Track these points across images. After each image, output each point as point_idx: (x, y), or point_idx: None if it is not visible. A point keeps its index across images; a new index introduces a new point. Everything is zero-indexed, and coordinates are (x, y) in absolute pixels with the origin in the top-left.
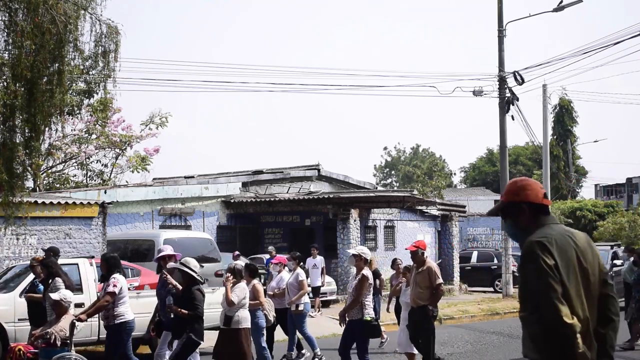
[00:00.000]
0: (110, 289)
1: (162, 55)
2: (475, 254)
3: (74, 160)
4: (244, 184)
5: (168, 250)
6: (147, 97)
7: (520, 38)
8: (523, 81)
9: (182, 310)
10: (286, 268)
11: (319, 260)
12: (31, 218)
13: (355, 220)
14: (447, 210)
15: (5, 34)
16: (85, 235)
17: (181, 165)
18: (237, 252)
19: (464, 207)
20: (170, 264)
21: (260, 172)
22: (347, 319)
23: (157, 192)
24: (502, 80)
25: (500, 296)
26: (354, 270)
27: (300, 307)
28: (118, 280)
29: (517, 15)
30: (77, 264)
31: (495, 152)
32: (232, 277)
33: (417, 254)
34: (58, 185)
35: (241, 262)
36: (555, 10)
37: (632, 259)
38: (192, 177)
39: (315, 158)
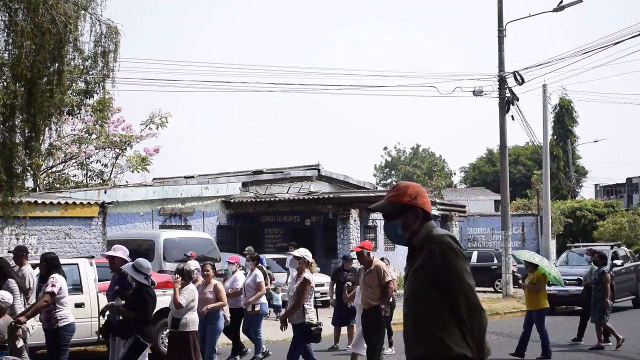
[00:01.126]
0: (49, 289)
1: (162, 55)
2: (475, 254)
3: (74, 160)
4: (244, 184)
5: (119, 253)
6: (147, 97)
7: (520, 38)
8: (523, 81)
9: (129, 312)
10: (241, 268)
11: None
12: (31, 218)
13: (355, 220)
14: (447, 210)
15: (5, 34)
16: (85, 235)
17: (181, 165)
18: (189, 252)
19: (464, 207)
20: (124, 266)
21: (260, 172)
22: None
23: (157, 192)
24: (502, 80)
25: (500, 296)
26: (295, 273)
27: (257, 308)
28: (57, 280)
29: (517, 15)
30: (77, 264)
31: (495, 152)
32: (180, 279)
33: (362, 254)
34: (58, 185)
35: (195, 264)
36: (555, 10)
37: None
38: (192, 177)
39: (315, 158)
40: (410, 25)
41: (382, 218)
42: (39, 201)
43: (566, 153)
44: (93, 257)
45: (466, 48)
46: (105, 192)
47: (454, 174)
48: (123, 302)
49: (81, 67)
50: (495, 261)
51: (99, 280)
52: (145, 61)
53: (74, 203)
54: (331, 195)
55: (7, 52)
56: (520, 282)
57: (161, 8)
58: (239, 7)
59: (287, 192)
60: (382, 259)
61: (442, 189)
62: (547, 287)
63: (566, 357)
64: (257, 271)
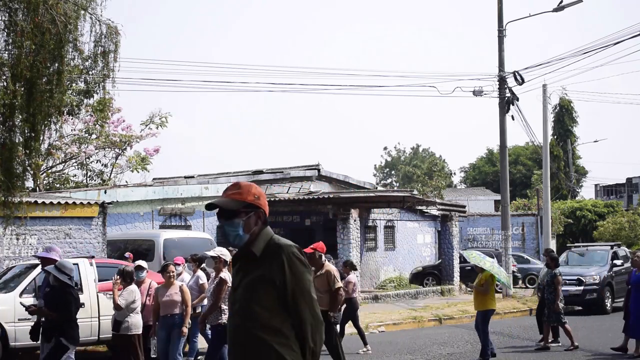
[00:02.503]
0: None
1: (162, 55)
2: None
3: (74, 160)
4: None
5: (52, 254)
6: (147, 97)
7: (520, 38)
8: (523, 81)
9: (50, 313)
10: (186, 269)
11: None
12: (31, 218)
13: (355, 220)
14: (447, 210)
15: (5, 34)
16: (85, 235)
17: (181, 165)
18: (127, 254)
19: (464, 207)
20: (47, 267)
21: (260, 172)
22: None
23: (157, 192)
24: (502, 80)
25: (500, 296)
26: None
27: (198, 310)
28: None
29: (517, 15)
30: (77, 264)
31: (495, 152)
32: (120, 280)
33: (314, 256)
34: (58, 185)
35: (145, 264)
36: (555, 10)
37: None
38: (192, 177)
39: (315, 158)
40: (410, 25)
41: (381, 218)
42: (39, 201)
43: (566, 153)
44: (93, 257)
45: (466, 48)
46: (105, 192)
47: (454, 174)
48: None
49: (81, 67)
50: (495, 261)
51: (99, 280)
52: (145, 61)
53: (74, 203)
54: (331, 195)
55: (7, 52)
56: (469, 283)
57: (161, 8)
58: (239, 7)
59: (287, 192)
60: (346, 262)
61: (442, 189)
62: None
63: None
64: (199, 273)
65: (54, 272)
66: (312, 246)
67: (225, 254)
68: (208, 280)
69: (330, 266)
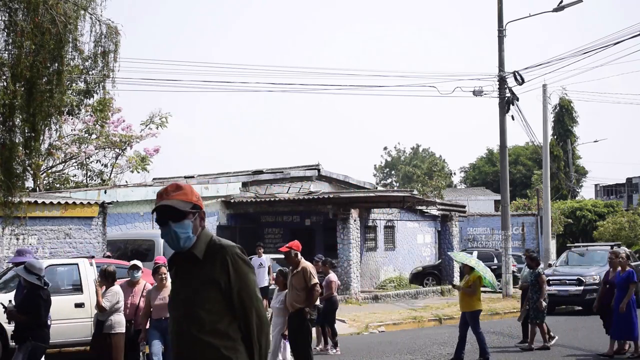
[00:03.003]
0: None
1: (162, 55)
2: (475, 254)
3: (74, 160)
4: (244, 184)
5: (25, 258)
6: (147, 97)
7: (520, 38)
8: (523, 81)
9: (19, 316)
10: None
11: (265, 259)
12: (31, 218)
13: (355, 220)
14: (447, 210)
15: (5, 34)
16: (85, 235)
17: (181, 165)
18: (106, 253)
19: (464, 207)
20: (15, 268)
21: (260, 172)
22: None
23: (157, 192)
24: (502, 80)
25: (500, 296)
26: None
27: None
28: None
29: (517, 15)
30: (77, 264)
31: (495, 152)
32: (102, 280)
33: (290, 255)
34: (58, 185)
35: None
36: (555, 10)
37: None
38: (192, 177)
39: (315, 158)
40: (410, 25)
41: (381, 218)
42: (39, 201)
43: (566, 153)
44: (93, 257)
45: (466, 48)
46: (105, 192)
47: (454, 174)
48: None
49: (81, 67)
50: (495, 261)
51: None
52: (145, 61)
53: (74, 203)
54: (331, 195)
55: (7, 52)
56: (454, 283)
57: (161, 8)
58: (239, 7)
59: (287, 192)
60: (325, 261)
61: (442, 189)
62: (548, 287)
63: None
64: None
65: (22, 273)
66: (287, 245)
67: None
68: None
69: (306, 263)
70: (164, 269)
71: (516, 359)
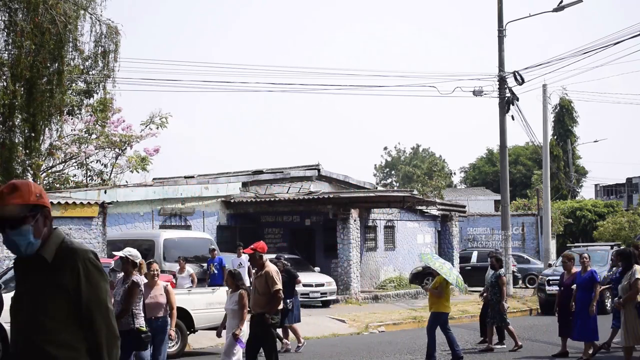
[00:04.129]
0: None
1: (162, 55)
2: (475, 254)
3: (74, 160)
4: (244, 184)
5: None
6: (147, 97)
7: (520, 38)
8: (523, 81)
9: None
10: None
11: (244, 259)
12: None
13: (355, 220)
14: (447, 210)
15: (5, 34)
16: (85, 235)
17: (181, 165)
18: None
19: (464, 207)
20: None
21: (260, 172)
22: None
23: (157, 192)
24: (502, 80)
25: None
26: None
27: None
28: None
29: (517, 15)
30: None
31: (495, 152)
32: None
33: (254, 257)
34: (58, 185)
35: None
36: (555, 10)
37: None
38: (192, 177)
39: (315, 158)
40: (410, 25)
41: (381, 218)
42: None
43: (566, 153)
44: None
45: (466, 48)
46: (105, 192)
47: (454, 174)
48: None
49: (81, 67)
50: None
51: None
52: (145, 61)
53: (74, 203)
54: (331, 195)
55: (7, 52)
56: (425, 286)
57: (161, 8)
58: (239, 7)
59: (287, 192)
60: (279, 262)
61: (442, 189)
62: (548, 287)
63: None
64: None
65: None
66: (252, 246)
67: (134, 254)
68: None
69: (270, 267)
70: (155, 265)
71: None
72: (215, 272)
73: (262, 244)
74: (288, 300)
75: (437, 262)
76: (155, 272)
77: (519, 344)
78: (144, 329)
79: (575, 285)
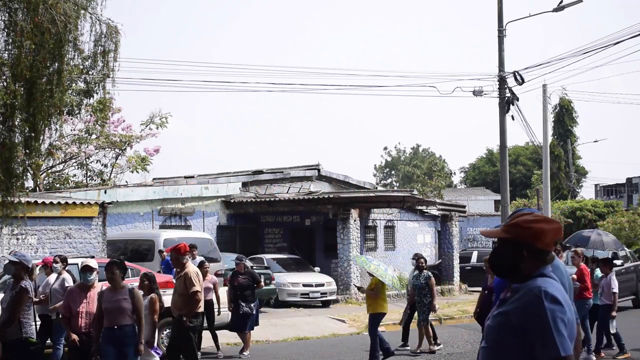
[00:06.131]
0: None
1: (162, 55)
2: (475, 254)
3: (74, 160)
4: (244, 184)
5: None
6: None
7: (520, 38)
8: (523, 81)
9: None
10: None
11: (197, 260)
12: (31, 218)
13: (355, 220)
14: (447, 210)
15: (5, 33)
16: (85, 235)
17: (181, 165)
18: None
19: (464, 207)
20: None
21: (260, 172)
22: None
23: (157, 192)
24: (502, 80)
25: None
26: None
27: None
28: None
29: (517, 15)
30: (77, 264)
31: (495, 152)
32: None
33: (173, 257)
34: (58, 185)
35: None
36: (555, 10)
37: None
38: (192, 177)
39: (315, 158)
40: (410, 25)
41: (381, 218)
42: (39, 201)
43: (566, 153)
44: (93, 257)
45: (466, 48)
46: (105, 192)
47: (454, 174)
48: None
49: (81, 67)
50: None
51: (100, 280)
52: (145, 61)
53: (74, 203)
54: (331, 195)
55: (7, 52)
56: (358, 286)
57: (161, 8)
58: (239, 7)
59: (287, 192)
60: (201, 263)
61: (442, 189)
62: None
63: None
64: (65, 275)
65: None
66: (173, 247)
67: (27, 258)
68: (74, 283)
69: (190, 268)
70: (114, 268)
71: None
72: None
73: (184, 245)
74: (252, 305)
75: (371, 264)
76: (116, 273)
77: (437, 348)
78: (34, 339)
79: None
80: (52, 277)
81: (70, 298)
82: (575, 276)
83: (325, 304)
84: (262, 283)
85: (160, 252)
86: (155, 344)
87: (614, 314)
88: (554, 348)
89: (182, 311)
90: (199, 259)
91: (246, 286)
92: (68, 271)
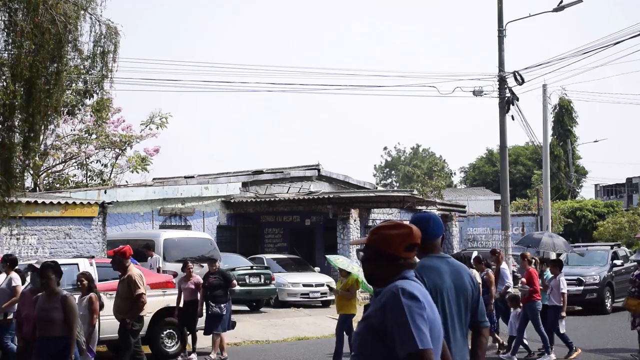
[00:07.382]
0: None
1: (162, 55)
2: (475, 254)
3: (74, 160)
4: (244, 184)
5: None
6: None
7: (520, 38)
8: (523, 81)
9: None
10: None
11: (155, 260)
12: (31, 218)
13: (355, 220)
14: (447, 210)
15: (5, 34)
16: (85, 235)
17: (181, 165)
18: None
19: (464, 207)
20: None
21: (260, 172)
22: None
23: (157, 192)
24: (502, 80)
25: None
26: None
27: (10, 316)
28: None
29: (517, 15)
30: (77, 264)
31: (495, 152)
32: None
33: (115, 260)
34: (58, 185)
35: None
36: (555, 10)
37: None
38: (192, 177)
39: (315, 158)
40: (410, 25)
41: (381, 218)
42: (39, 201)
43: (566, 153)
44: (93, 257)
45: (466, 48)
46: (105, 192)
47: (454, 174)
48: None
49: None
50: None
51: (100, 280)
52: (145, 61)
53: (74, 203)
54: (331, 195)
55: (6, 52)
56: (332, 287)
57: (161, 8)
58: (239, 7)
59: (287, 192)
60: (185, 264)
61: (442, 189)
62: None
63: None
64: (13, 274)
65: None
66: (115, 249)
67: None
68: (23, 283)
69: (134, 271)
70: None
71: None
72: None
73: (128, 247)
74: (222, 305)
75: (344, 261)
76: (52, 278)
77: None
78: None
79: None
80: (1, 278)
81: (21, 302)
82: (524, 279)
83: (325, 304)
84: (235, 282)
85: (148, 247)
86: (95, 346)
87: (563, 314)
88: (412, 342)
89: (126, 315)
90: (156, 256)
91: (216, 286)
92: (17, 270)
